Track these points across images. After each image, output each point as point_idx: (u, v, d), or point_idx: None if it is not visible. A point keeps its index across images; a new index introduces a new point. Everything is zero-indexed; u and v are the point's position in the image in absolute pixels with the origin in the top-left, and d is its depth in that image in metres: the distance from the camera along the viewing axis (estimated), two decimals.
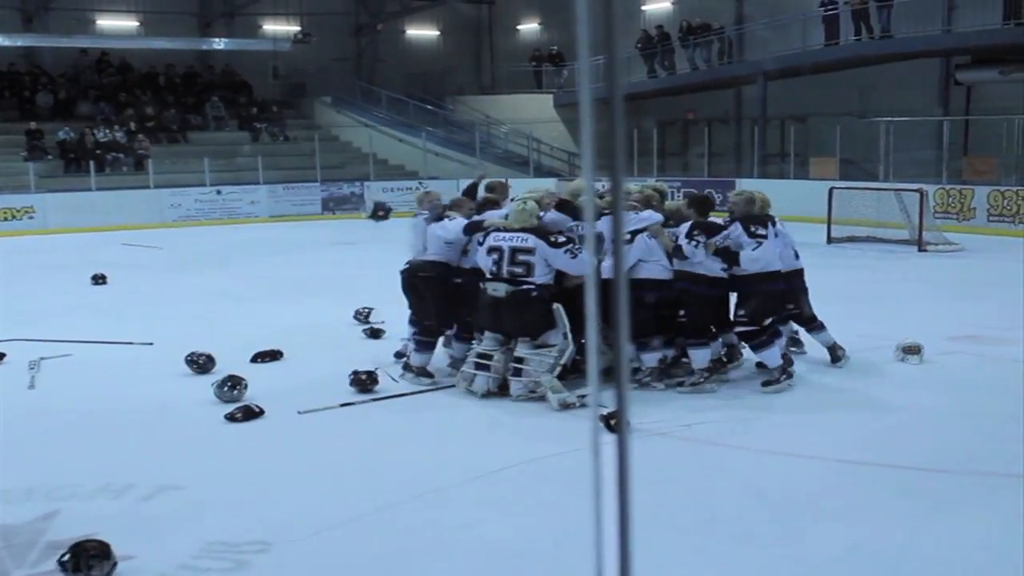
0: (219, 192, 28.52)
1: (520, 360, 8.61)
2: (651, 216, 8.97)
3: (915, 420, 8.05)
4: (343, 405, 8.64)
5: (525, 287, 8.52)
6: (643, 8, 34.28)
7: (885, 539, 5.69)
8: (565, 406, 8.24)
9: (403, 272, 9.61)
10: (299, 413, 8.40)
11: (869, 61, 26.21)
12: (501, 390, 8.74)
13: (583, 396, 8.22)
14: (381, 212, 11.31)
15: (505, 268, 8.60)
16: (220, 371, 9.55)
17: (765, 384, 8.85)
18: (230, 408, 8.33)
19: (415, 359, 9.45)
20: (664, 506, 6.05)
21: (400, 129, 34.12)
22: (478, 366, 8.85)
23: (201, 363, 9.91)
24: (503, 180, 11.97)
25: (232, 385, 8.80)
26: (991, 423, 7.90)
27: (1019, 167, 22.66)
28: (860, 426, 7.91)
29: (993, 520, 5.94)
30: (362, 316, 12.20)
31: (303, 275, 17.14)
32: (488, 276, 8.73)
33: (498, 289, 8.61)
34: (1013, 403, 8.42)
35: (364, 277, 15.36)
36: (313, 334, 11.66)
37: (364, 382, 9.08)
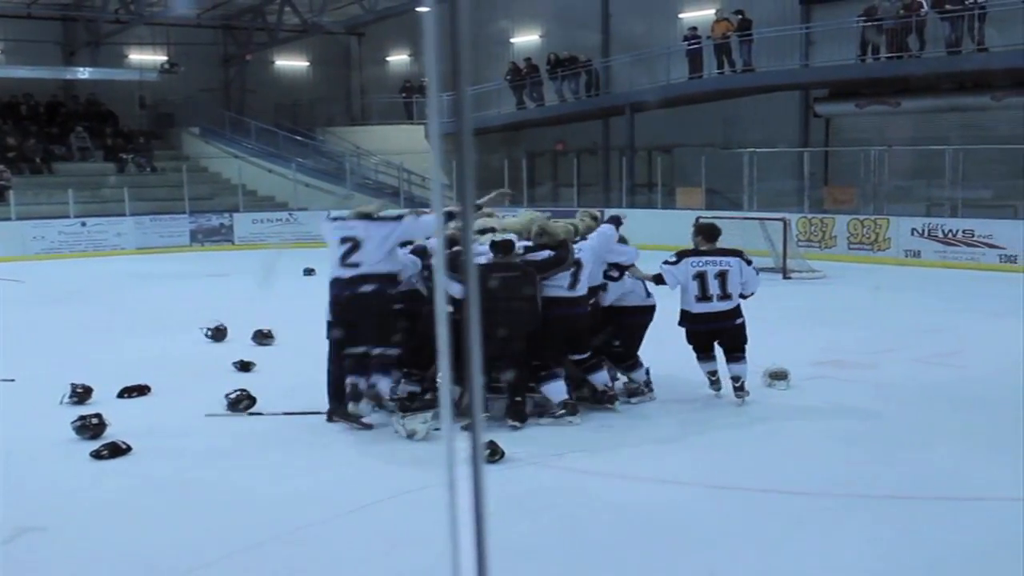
0: (84, 224, 27.85)
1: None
2: (606, 230, 9.66)
3: (780, 444, 8.26)
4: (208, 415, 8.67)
5: None
6: (511, 40, 34.66)
7: (739, 562, 5.83)
8: (411, 434, 8.27)
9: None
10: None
11: (732, 94, 26.96)
12: None
13: (438, 429, 8.20)
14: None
15: None
16: (94, 402, 9.53)
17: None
18: (95, 445, 8.13)
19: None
20: (536, 536, 6.10)
21: (270, 160, 33.77)
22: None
23: (80, 393, 9.79)
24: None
25: (97, 422, 8.59)
26: (853, 446, 8.14)
27: (877, 196, 23.44)
28: (726, 451, 8.09)
29: (845, 540, 6.12)
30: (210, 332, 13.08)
31: (172, 308, 16.85)
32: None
33: None
34: (874, 426, 8.71)
35: (234, 309, 15.16)
36: (182, 368, 11.46)
37: (235, 404, 9.16)
